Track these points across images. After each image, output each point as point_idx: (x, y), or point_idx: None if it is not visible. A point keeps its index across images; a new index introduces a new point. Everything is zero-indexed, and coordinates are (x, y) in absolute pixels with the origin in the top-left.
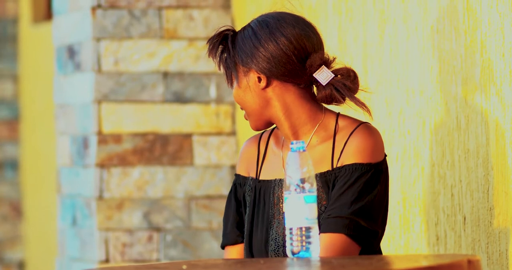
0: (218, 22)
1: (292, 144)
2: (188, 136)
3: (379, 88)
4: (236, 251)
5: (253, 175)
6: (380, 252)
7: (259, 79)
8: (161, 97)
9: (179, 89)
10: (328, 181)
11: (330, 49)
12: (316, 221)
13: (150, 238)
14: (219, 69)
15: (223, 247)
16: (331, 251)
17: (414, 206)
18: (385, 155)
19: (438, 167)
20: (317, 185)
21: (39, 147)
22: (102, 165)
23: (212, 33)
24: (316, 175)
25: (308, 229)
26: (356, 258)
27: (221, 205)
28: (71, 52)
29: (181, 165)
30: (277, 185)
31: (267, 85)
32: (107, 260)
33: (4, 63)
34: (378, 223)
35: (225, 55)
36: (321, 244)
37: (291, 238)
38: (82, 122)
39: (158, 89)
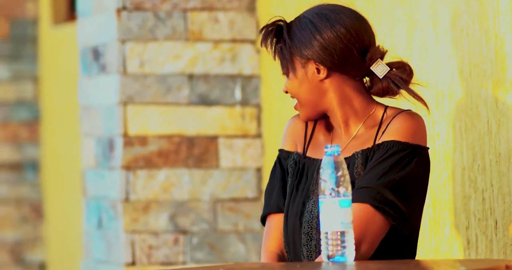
0: (243, 25)
1: (326, 147)
2: (213, 138)
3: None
4: (279, 220)
5: (300, 150)
6: (415, 247)
7: (318, 71)
8: (187, 99)
9: (204, 91)
10: (368, 157)
11: None
12: (351, 225)
13: (176, 241)
14: (274, 59)
15: (263, 219)
16: (355, 221)
17: (444, 209)
18: (428, 147)
19: (468, 171)
20: (358, 161)
21: (60, 148)
22: (128, 167)
23: (236, 36)
24: (358, 152)
25: (343, 233)
26: (393, 262)
27: (247, 207)
28: (96, 54)
29: (206, 167)
30: None
31: (327, 76)
32: (133, 263)
33: (24, 65)
34: (409, 203)
35: (280, 45)
36: None
37: (326, 243)
38: (107, 124)
39: (183, 91)
